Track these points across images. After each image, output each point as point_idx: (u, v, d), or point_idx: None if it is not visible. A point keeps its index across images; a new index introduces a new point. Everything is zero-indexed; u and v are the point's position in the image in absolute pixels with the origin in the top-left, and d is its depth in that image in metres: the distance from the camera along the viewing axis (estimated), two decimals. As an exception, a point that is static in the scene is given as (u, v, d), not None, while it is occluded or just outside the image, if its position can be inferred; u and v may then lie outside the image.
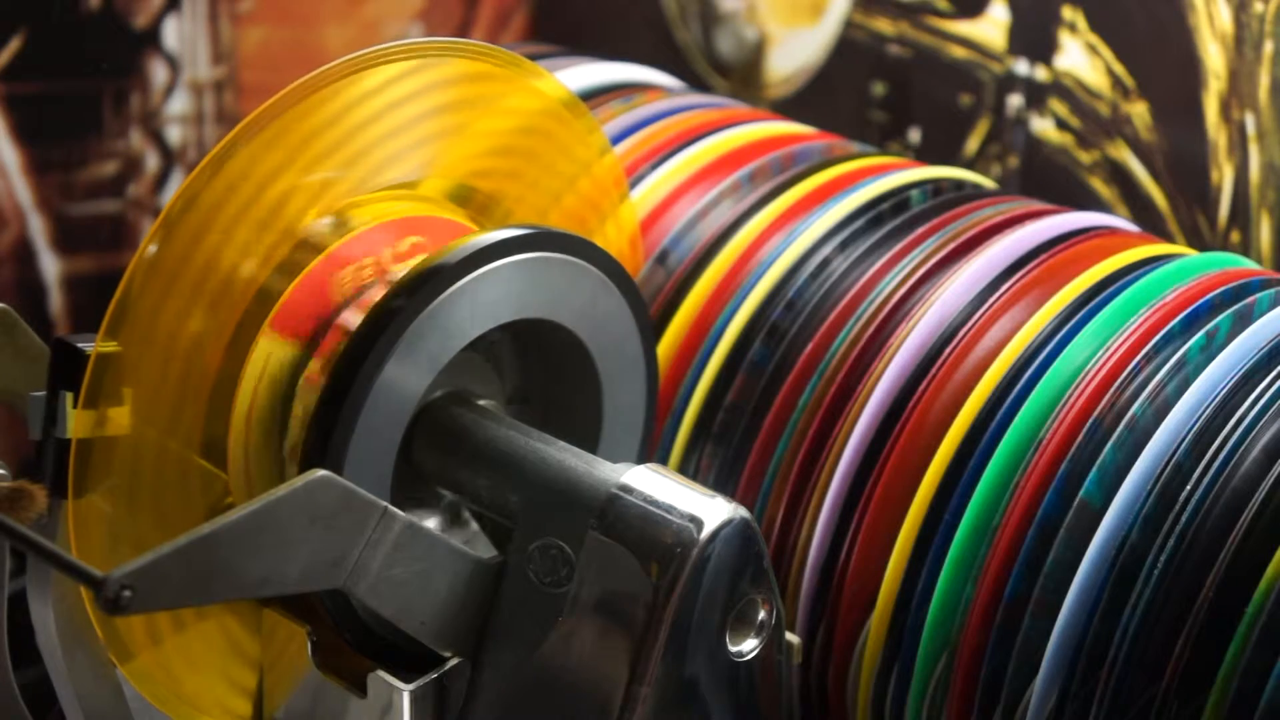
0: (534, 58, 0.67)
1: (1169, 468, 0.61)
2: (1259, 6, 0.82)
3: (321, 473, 0.55)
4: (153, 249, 0.58)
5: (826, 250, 0.72)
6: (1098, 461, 0.62)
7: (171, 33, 0.98)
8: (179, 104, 0.99)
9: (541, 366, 0.65)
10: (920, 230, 0.72)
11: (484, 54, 0.64)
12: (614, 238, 0.70)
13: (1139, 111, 0.87)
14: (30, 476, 0.59)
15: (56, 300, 0.98)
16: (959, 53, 0.94)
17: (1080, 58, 0.89)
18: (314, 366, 0.60)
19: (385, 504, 0.56)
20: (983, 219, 0.72)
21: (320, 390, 0.59)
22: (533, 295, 0.62)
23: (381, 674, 0.60)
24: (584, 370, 0.64)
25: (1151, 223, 0.87)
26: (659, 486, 0.58)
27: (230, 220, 0.59)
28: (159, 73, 0.98)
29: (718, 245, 0.73)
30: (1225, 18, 0.83)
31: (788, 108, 1.01)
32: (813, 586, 0.67)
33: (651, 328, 0.66)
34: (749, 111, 0.84)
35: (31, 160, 0.95)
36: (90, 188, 0.97)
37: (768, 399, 0.69)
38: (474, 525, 0.64)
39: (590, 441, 0.65)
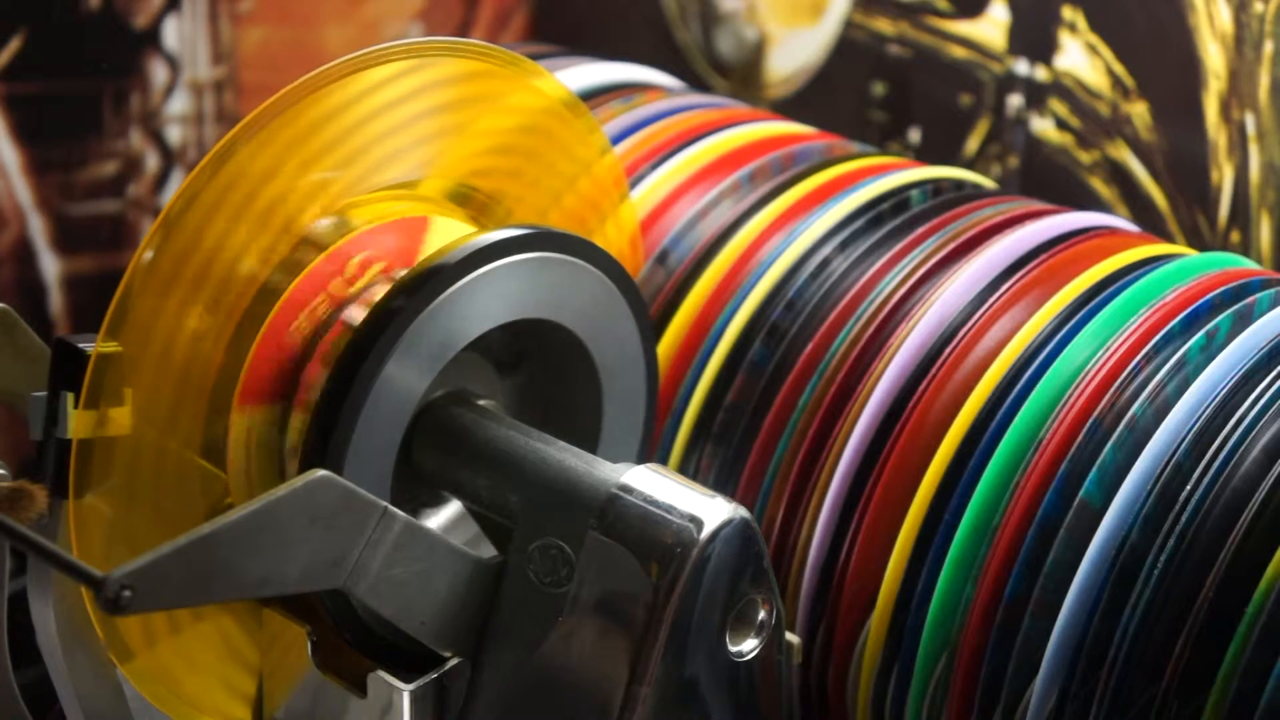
0: (534, 58, 0.67)
1: (1169, 468, 0.61)
2: (1259, 6, 0.82)
3: (321, 473, 0.55)
4: (153, 249, 0.58)
5: (826, 250, 0.72)
6: (1098, 461, 0.62)
7: (171, 33, 0.98)
8: (179, 104, 0.99)
9: (541, 366, 0.65)
10: (920, 230, 0.72)
11: (484, 53, 0.64)
12: (614, 238, 0.70)
13: (1139, 111, 0.87)
14: (30, 476, 0.59)
15: (56, 300, 0.98)
16: (959, 53, 0.94)
17: (1080, 58, 0.89)
18: (317, 360, 0.60)
19: (385, 504, 0.56)
20: (983, 219, 0.72)
21: (320, 390, 0.59)
22: (533, 295, 0.62)
23: (381, 674, 0.60)
24: (584, 370, 0.64)
25: (1151, 223, 0.87)
26: (659, 486, 0.58)
27: (230, 219, 0.59)
28: (159, 73, 0.99)
29: (718, 245, 0.73)
30: (1225, 18, 0.83)
31: (788, 108, 1.01)
32: (813, 586, 0.67)
33: (651, 328, 0.66)
34: (749, 111, 0.84)
35: (31, 160, 0.95)
36: (90, 188, 0.97)
37: (768, 399, 0.69)
38: (474, 525, 0.64)
39: (590, 441, 0.65)
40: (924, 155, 0.95)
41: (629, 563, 0.57)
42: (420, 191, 0.64)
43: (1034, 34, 0.91)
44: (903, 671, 0.65)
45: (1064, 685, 0.61)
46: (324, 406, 0.58)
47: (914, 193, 0.74)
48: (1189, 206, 0.86)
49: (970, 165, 0.94)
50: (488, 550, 0.63)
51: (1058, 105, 0.90)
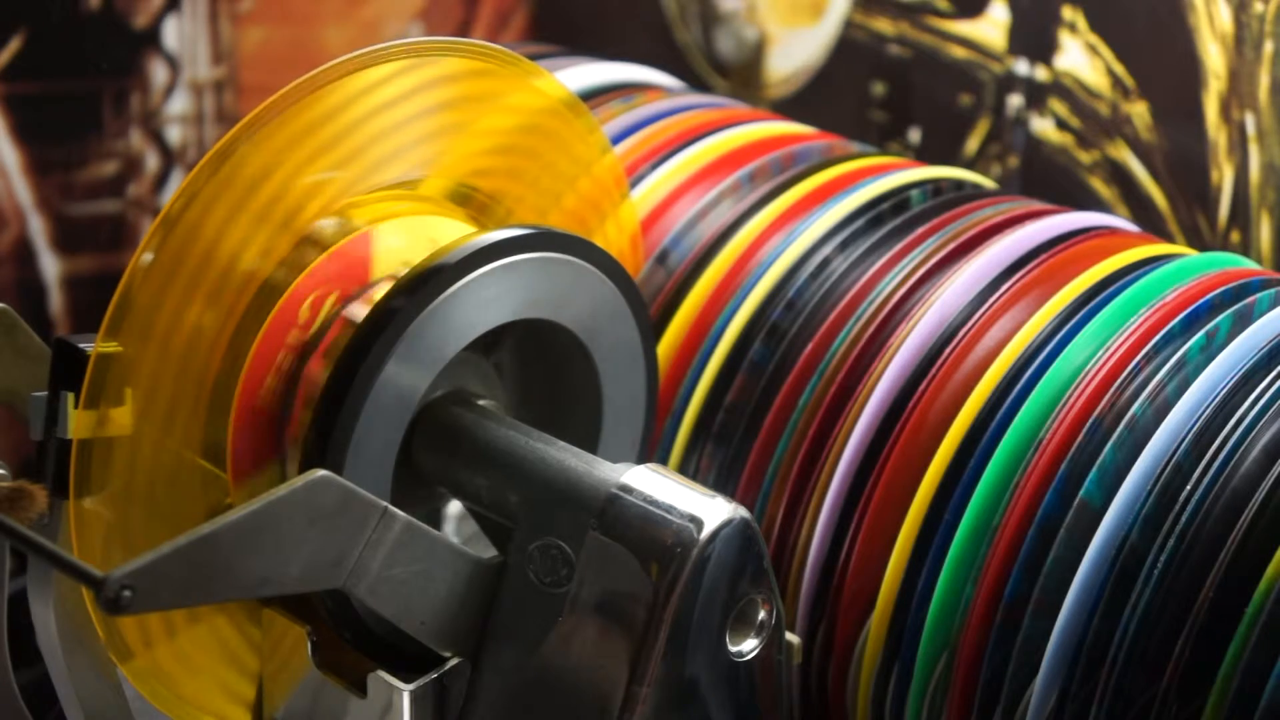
0: (534, 58, 0.67)
1: (1169, 468, 0.61)
2: (1259, 6, 0.82)
3: (321, 473, 0.55)
4: (153, 249, 0.58)
5: (826, 250, 0.72)
6: (1098, 461, 0.62)
7: (171, 33, 0.98)
8: (179, 104, 0.99)
9: (541, 366, 0.65)
10: (920, 230, 0.72)
11: (483, 53, 0.64)
12: (614, 237, 0.70)
13: (1139, 111, 0.87)
14: (30, 476, 0.59)
15: (56, 300, 0.98)
16: (959, 53, 0.94)
17: (1080, 58, 0.89)
18: (317, 359, 0.60)
19: (385, 504, 0.56)
20: (983, 219, 0.72)
21: (320, 390, 0.59)
22: (533, 295, 0.62)
23: (381, 674, 0.60)
24: (584, 370, 0.64)
25: (1151, 223, 0.87)
26: (659, 486, 0.58)
27: (230, 218, 0.59)
28: (159, 73, 0.99)
29: (718, 245, 0.73)
30: (1225, 18, 0.83)
31: (788, 108, 1.01)
32: (813, 586, 0.67)
33: (651, 328, 0.66)
34: (749, 111, 0.84)
35: (31, 160, 0.95)
36: (90, 188, 0.97)
37: (768, 399, 0.69)
38: (474, 525, 0.64)
39: (590, 441, 0.65)
40: (924, 155, 0.95)
41: (629, 563, 0.57)
42: (420, 191, 0.64)
43: (1034, 34, 0.91)
44: (903, 671, 0.65)
45: (1064, 685, 0.61)
46: (324, 406, 0.58)
47: (914, 193, 0.74)
48: (1189, 206, 0.86)
49: (970, 165, 0.94)
50: (488, 550, 0.63)
51: (1058, 105, 0.90)
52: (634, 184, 0.76)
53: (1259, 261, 0.83)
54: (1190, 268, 0.68)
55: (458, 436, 0.62)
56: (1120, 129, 0.88)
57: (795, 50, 1.01)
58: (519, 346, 0.65)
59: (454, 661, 0.60)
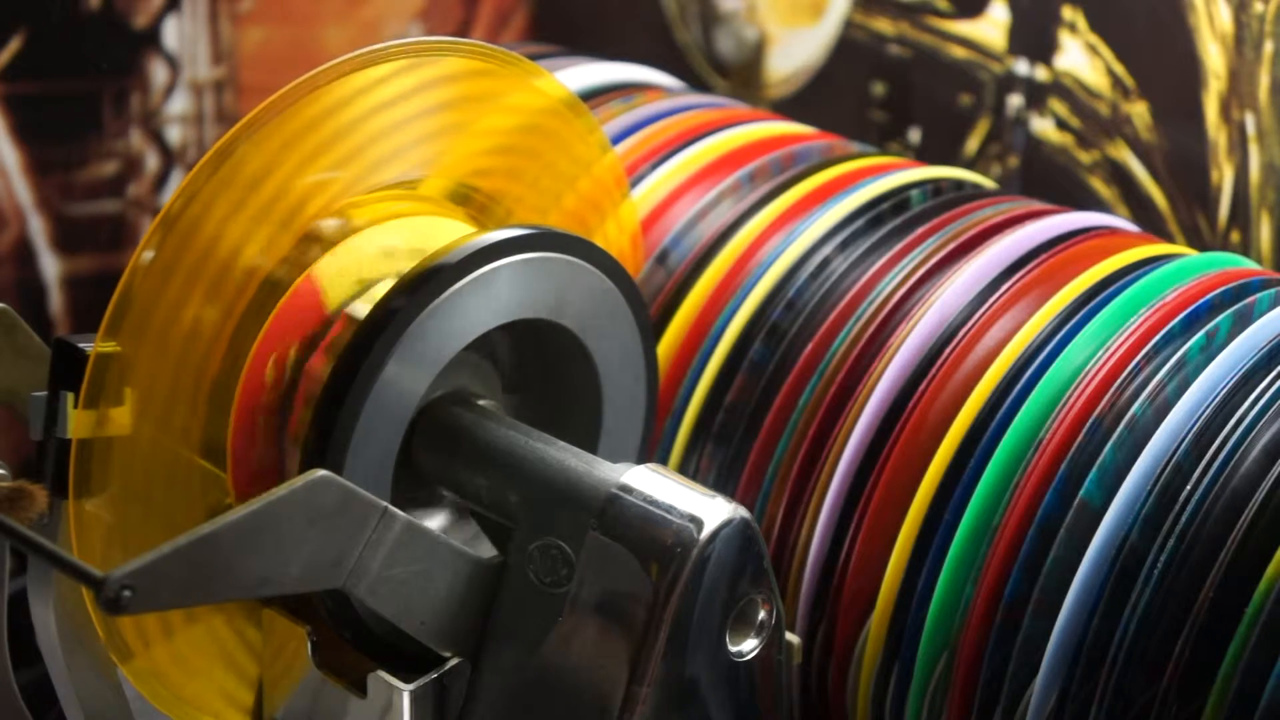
0: (534, 58, 0.67)
1: (1169, 468, 0.61)
2: (1259, 6, 0.82)
3: (321, 473, 0.55)
4: (152, 248, 0.58)
5: (826, 250, 0.72)
6: (1098, 461, 0.62)
7: (171, 33, 0.98)
8: (179, 104, 0.99)
9: (541, 366, 0.65)
10: (920, 230, 0.72)
11: (483, 53, 0.64)
12: (614, 237, 0.70)
13: (1139, 111, 0.87)
14: (30, 476, 0.59)
15: (56, 300, 0.98)
16: (959, 53, 0.94)
17: (1080, 58, 0.89)
18: (317, 359, 0.60)
19: (385, 504, 0.56)
20: (983, 219, 0.72)
21: (321, 390, 0.59)
22: (533, 295, 0.62)
23: (381, 674, 0.60)
24: (584, 370, 0.64)
25: (1151, 223, 0.87)
26: (659, 486, 0.58)
27: (230, 218, 0.59)
28: (159, 73, 0.98)
29: (718, 245, 0.73)
30: (1225, 18, 0.83)
31: (788, 108, 1.01)
32: (813, 586, 0.67)
33: (651, 328, 0.66)
34: (749, 111, 0.84)
35: (31, 160, 0.95)
36: (90, 188, 0.97)
37: (768, 399, 0.69)
38: (474, 525, 0.64)
39: (590, 441, 0.65)
40: (924, 155, 0.95)
41: (629, 563, 0.57)
42: (421, 191, 0.64)
43: (1034, 34, 0.91)
44: (903, 671, 0.65)
45: (1064, 685, 0.61)
46: (324, 406, 0.58)
47: (914, 193, 0.74)
48: (1189, 206, 0.86)
49: (970, 165, 0.94)
50: (488, 550, 0.63)
51: (1058, 105, 0.90)
52: (634, 184, 0.76)
53: (1259, 261, 0.83)
54: (1190, 268, 0.68)
55: (458, 436, 0.61)
56: (1120, 129, 0.88)
57: (795, 50, 1.01)
58: (519, 346, 0.65)
59: (454, 661, 0.60)
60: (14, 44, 0.93)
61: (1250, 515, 0.59)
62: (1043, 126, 0.91)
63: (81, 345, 0.59)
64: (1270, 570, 0.58)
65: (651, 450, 0.68)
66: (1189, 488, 0.60)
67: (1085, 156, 0.90)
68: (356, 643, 0.60)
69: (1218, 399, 0.62)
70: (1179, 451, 0.61)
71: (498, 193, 0.66)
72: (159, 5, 0.98)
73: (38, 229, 0.96)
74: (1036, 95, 0.91)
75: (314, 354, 0.60)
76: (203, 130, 1.00)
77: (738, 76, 1.05)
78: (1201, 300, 0.66)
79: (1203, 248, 0.85)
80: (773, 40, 1.03)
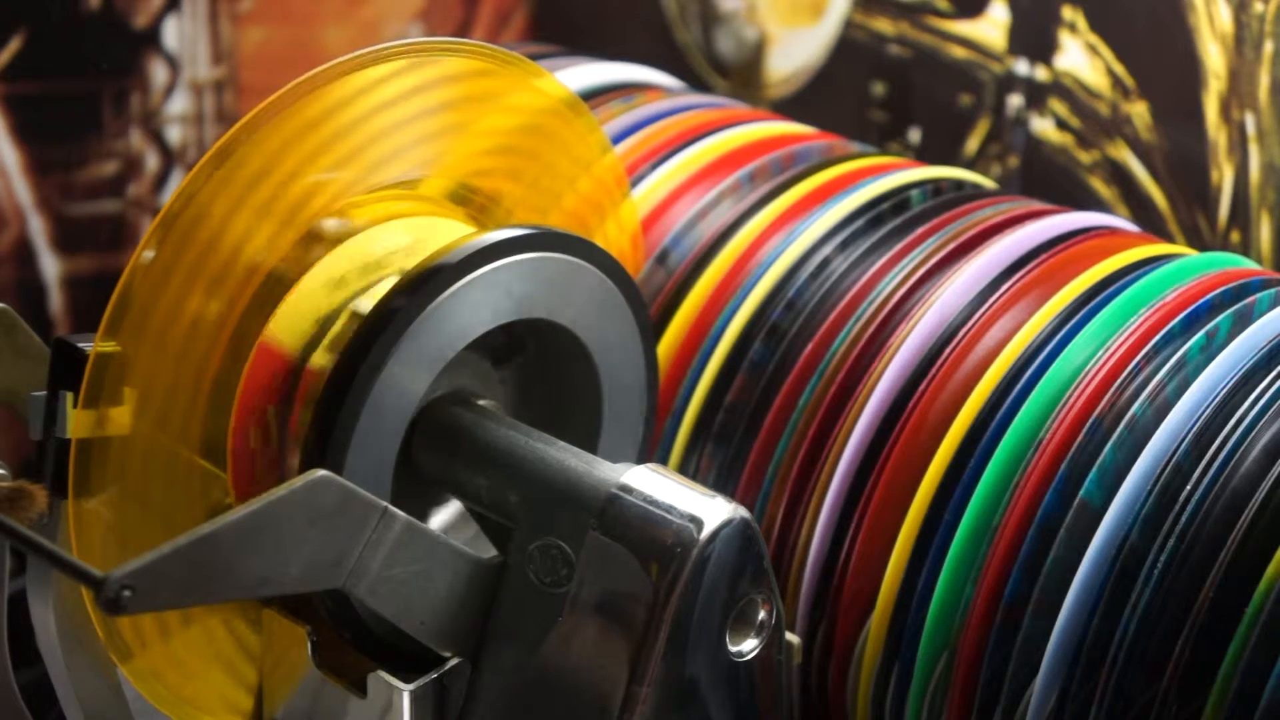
0: (534, 58, 0.67)
1: (1169, 468, 0.61)
2: (1259, 6, 0.82)
3: (321, 473, 0.55)
4: (152, 248, 0.58)
5: (826, 250, 0.72)
6: (1098, 461, 0.62)
7: (171, 33, 0.98)
8: (179, 104, 0.99)
9: (541, 367, 0.65)
10: (920, 230, 0.72)
11: (484, 53, 0.64)
12: (615, 237, 0.70)
13: (1139, 111, 0.87)
14: (30, 476, 0.59)
15: (56, 300, 0.98)
16: (959, 53, 0.94)
17: (1080, 58, 0.89)
18: (317, 359, 0.60)
19: (385, 504, 0.56)
20: (983, 219, 0.72)
21: (321, 390, 0.59)
22: (533, 295, 0.62)
23: (381, 674, 0.60)
24: (584, 370, 0.64)
25: (1151, 223, 0.87)
26: (659, 486, 0.58)
27: (230, 218, 0.59)
28: (159, 73, 0.98)
29: (718, 245, 0.73)
30: (1225, 18, 0.83)
31: (788, 108, 1.01)
32: (813, 586, 0.67)
33: (651, 328, 0.66)
34: (749, 111, 0.84)
35: (31, 160, 0.95)
36: (90, 188, 0.97)
37: (768, 399, 0.69)
38: (474, 525, 0.64)
39: (590, 441, 0.65)
40: (924, 155, 0.95)
41: (629, 563, 0.57)
42: (421, 191, 0.64)
43: (1034, 34, 0.91)
44: (903, 671, 0.65)
45: (1064, 685, 0.61)
46: (324, 406, 0.58)
47: (914, 193, 0.74)
48: (1189, 206, 0.86)
49: (970, 165, 0.94)
50: (488, 550, 0.63)
51: (1058, 105, 0.90)
52: (634, 184, 0.76)
53: (1259, 261, 0.83)
54: (1190, 268, 0.68)
55: (458, 436, 0.61)
56: (1120, 129, 0.88)
57: (795, 50, 1.01)
58: (519, 347, 0.65)
59: (454, 661, 0.60)
60: (14, 44, 0.93)
61: (1250, 515, 0.59)
62: (1043, 126, 0.91)
63: (81, 345, 0.59)
64: (1270, 570, 0.58)
65: (651, 450, 0.68)
66: (1189, 488, 0.60)
67: (1085, 156, 0.90)
68: (356, 643, 0.60)
69: (1218, 399, 0.62)
70: (1179, 451, 0.61)
71: (498, 193, 0.66)
72: (159, 5, 0.98)
73: (38, 229, 0.96)
74: (1036, 95, 0.91)
75: (314, 354, 0.60)
76: (203, 130, 1.00)
77: (738, 76, 1.05)
78: (1201, 300, 0.66)
79: (1203, 248, 0.85)
80: (773, 40, 1.03)
